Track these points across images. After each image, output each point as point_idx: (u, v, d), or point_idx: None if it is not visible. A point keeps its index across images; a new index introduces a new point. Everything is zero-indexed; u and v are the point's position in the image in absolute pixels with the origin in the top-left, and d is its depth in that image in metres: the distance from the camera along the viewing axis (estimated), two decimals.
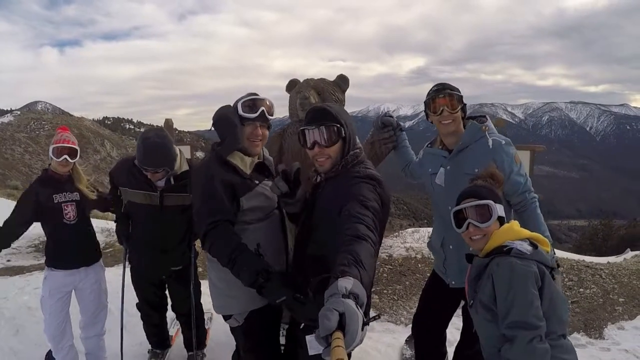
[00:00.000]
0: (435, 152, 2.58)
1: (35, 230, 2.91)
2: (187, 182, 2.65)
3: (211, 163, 2.10)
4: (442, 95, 2.38)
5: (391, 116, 3.07)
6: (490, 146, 2.35)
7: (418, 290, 4.84)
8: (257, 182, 2.14)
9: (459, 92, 2.39)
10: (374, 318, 1.31)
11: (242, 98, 2.10)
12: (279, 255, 2.24)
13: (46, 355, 3.22)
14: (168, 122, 4.99)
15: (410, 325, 3.00)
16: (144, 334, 3.34)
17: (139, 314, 3.26)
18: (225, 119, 2.08)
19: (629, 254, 7.14)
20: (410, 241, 6.52)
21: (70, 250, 2.82)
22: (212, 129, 2.14)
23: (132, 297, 3.13)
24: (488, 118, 2.50)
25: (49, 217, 2.78)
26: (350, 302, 1.15)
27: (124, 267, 3.00)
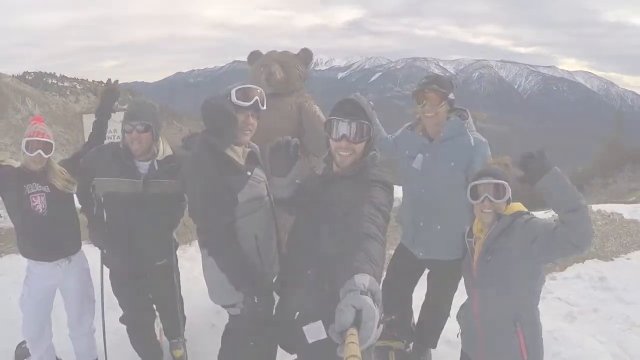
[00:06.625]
0: (416, 137, 2.66)
1: None
2: (171, 168, 2.51)
3: (206, 157, 2.08)
4: (428, 90, 2.46)
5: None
6: (472, 144, 2.50)
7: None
8: (249, 173, 2.15)
9: (447, 87, 2.47)
10: (390, 319, 1.36)
11: (234, 86, 2.08)
12: (270, 241, 2.31)
13: (17, 349, 3.12)
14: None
15: None
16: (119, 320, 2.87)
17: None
18: (223, 111, 2.03)
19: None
20: None
21: (41, 241, 2.58)
22: (203, 120, 2.08)
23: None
24: (469, 113, 2.61)
25: (17, 204, 2.54)
26: (368, 299, 1.17)
27: (102, 273, 2.72)
